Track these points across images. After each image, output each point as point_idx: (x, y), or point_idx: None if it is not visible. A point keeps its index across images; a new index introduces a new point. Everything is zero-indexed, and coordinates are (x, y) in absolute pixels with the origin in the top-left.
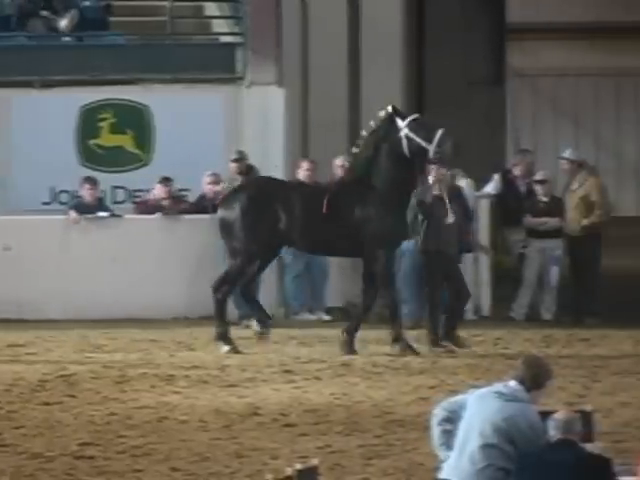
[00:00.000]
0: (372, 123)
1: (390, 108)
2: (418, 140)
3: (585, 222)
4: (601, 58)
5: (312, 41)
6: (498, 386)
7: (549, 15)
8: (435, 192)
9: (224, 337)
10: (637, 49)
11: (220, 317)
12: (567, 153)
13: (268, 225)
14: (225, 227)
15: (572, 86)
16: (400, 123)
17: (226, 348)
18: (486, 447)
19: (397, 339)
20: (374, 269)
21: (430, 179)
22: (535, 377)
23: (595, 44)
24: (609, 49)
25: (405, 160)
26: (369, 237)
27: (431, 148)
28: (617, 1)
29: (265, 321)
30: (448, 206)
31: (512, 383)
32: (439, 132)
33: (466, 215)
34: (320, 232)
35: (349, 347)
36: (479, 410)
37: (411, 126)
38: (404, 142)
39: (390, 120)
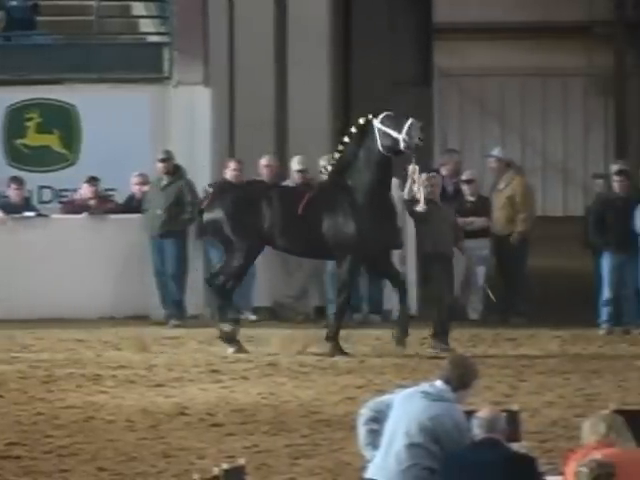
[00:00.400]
0: (352, 129)
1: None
2: (389, 131)
3: (514, 234)
4: (527, 58)
5: (238, 41)
6: (424, 386)
7: (475, 15)
8: (425, 196)
9: (231, 339)
10: (563, 49)
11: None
12: (495, 151)
13: (254, 225)
14: (215, 227)
15: (498, 86)
16: (375, 122)
17: (231, 350)
18: (412, 446)
19: (330, 338)
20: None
21: (411, 182)
22: (461, 377)
23: (521, 44)
24: (535, 49)
25: (382, 162)
26: (339, 240)
27: (401, 137)
28: (543, 1)
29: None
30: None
31: (438, 383)
32: (408, 121)
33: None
34: (298, 233)
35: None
36: (405, 410)
37: (383, 121)
38: (378, 138)
39: (368, 124)
